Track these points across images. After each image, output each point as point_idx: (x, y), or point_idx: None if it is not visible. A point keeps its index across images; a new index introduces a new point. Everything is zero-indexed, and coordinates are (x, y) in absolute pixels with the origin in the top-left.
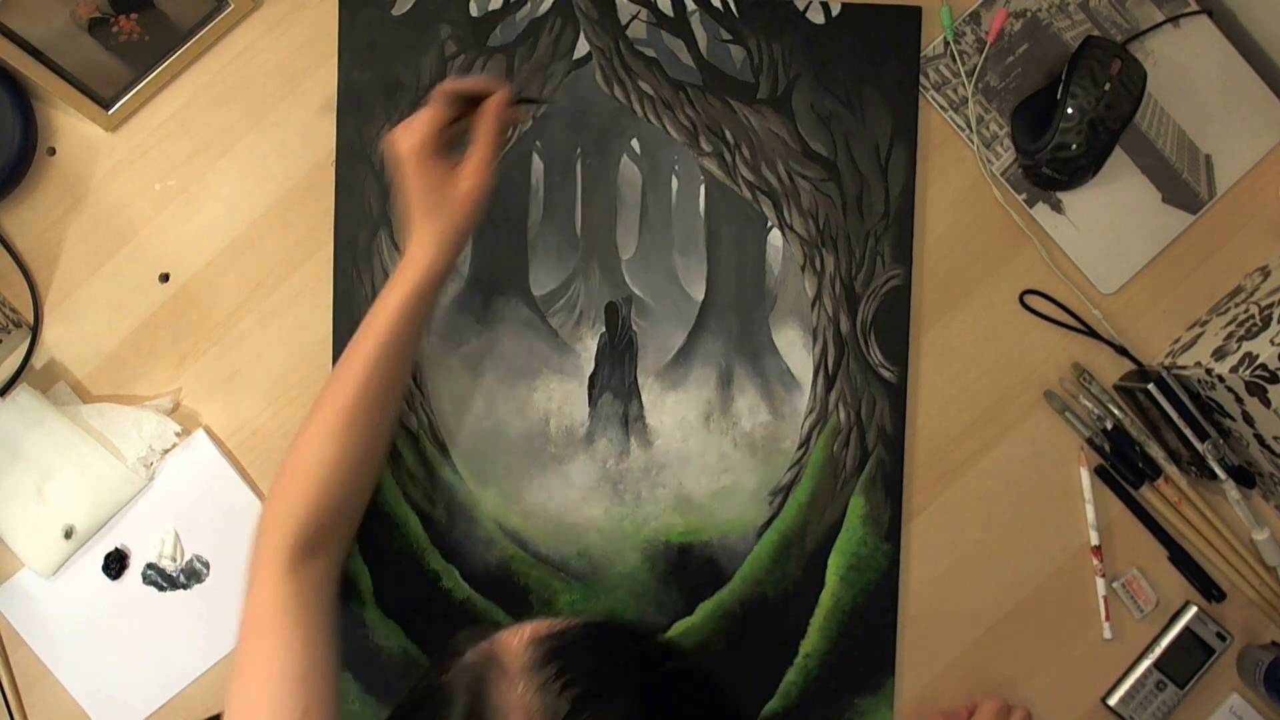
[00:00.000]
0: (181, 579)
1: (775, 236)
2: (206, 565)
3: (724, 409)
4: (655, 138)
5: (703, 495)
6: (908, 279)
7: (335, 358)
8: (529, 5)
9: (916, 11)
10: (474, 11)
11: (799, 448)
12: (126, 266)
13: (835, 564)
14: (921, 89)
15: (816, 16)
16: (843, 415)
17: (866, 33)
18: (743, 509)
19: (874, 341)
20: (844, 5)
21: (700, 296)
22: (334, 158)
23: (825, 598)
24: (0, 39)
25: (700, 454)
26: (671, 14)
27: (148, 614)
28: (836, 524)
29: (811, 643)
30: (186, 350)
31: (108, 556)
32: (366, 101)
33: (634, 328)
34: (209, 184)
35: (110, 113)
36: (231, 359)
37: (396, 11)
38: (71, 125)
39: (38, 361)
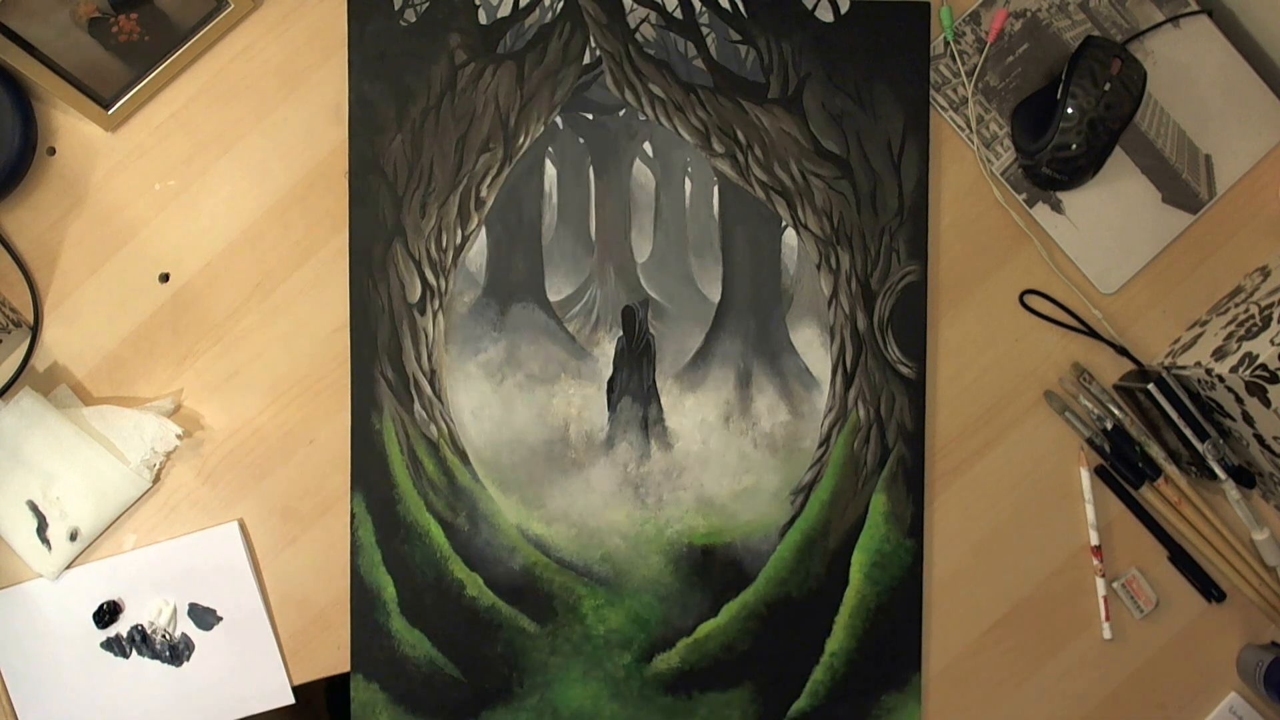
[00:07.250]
0: (165, 652)
1: (790, 236)
2: (191, 648)
3: (743, 409)
4: (667, 140)
5: (724, 496)
6: (923, 274)
7: (353, 368)
8: (538, 11)
9: (925, 7)
10: (483, 19)
11: (819, 446)
12: (126, 266)
13: (859, 561)
14: None
15: (825, 15)
16: (862, 412)
17: (876, 29)
18: (765, 509)
19: (891, 338)
20: (853, 3)
21: (716, 298)
22: (347, 169)
23: (850, 595)
24: (0, 39)
25: (721, 455)
26: (680, 16)
27: (116, 669)
28: (859, 522)
29: (837, 641)
30: (186, 350)
31: (102, 606)
32: (378, 112)
33: (651, 331)
34: (209, 184)
35: (110, 113)
36: (231, 359)
37: (405, 21)
38: (71, 125)
39: (38, 362)
